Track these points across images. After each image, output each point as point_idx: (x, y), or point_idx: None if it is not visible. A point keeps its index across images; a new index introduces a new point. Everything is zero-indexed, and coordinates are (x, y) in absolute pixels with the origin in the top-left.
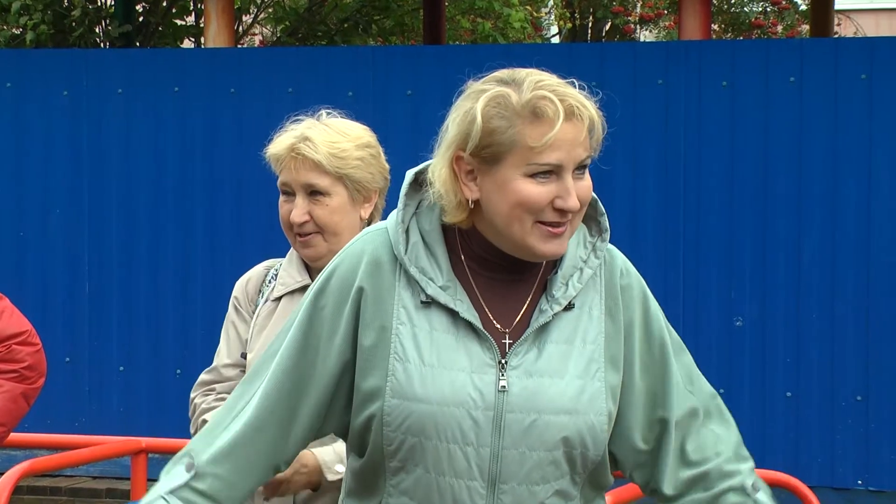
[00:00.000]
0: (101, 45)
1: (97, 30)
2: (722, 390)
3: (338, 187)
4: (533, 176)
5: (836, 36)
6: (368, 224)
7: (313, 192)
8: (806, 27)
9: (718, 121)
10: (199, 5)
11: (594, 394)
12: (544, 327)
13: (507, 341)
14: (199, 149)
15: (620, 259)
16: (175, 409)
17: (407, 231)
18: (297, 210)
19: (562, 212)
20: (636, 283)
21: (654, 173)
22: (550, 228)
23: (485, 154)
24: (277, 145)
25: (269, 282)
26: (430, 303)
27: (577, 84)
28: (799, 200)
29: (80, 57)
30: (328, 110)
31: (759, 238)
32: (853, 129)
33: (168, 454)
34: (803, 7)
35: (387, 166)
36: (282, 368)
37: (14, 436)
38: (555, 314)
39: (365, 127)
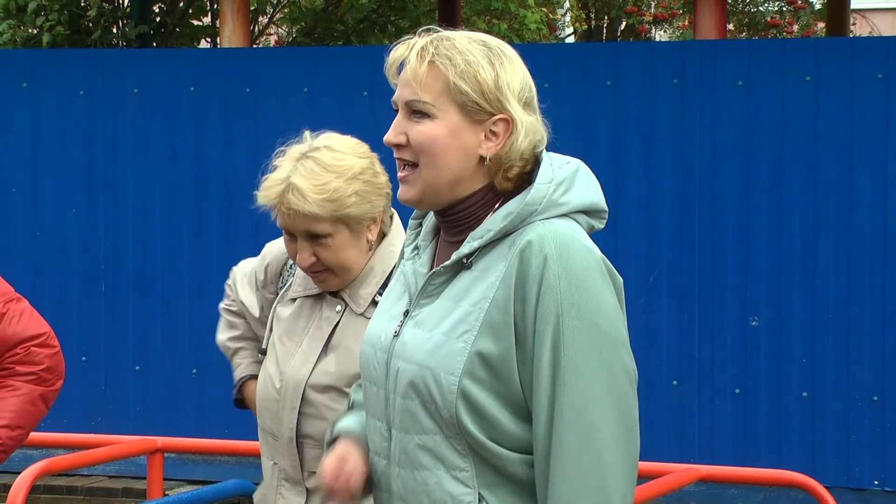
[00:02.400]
0: (118, 45)
1: (114, 30)
2: (738, 390)
3: (339, 227)
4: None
5: (852, 35)
6: (381, 239)
7: (314, 236)
8: (822, 26)
9: (734, 120)
10: (215, 6)
11: (451, 352)
12: (450, 282)
13: None
14: (215, 149)
15: (538, 240)
16: (191, 408)
17: None
18: (301, 254)
19: (395, 148)
20: (540, 264)
21: (670, 173)
22: (399, 172)
23: None
24: (266, 195)
25: (291, 267)
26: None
27: (441, 37)
28: (815, 200)
29: (95, 57)
30: (312, 133)
31: (774, 238)
32: (869, 128)
33: (184, 454)
34: (819, 6)
35: (384, 180)
36: None
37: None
38: (455, 271)
39: (356, 143)
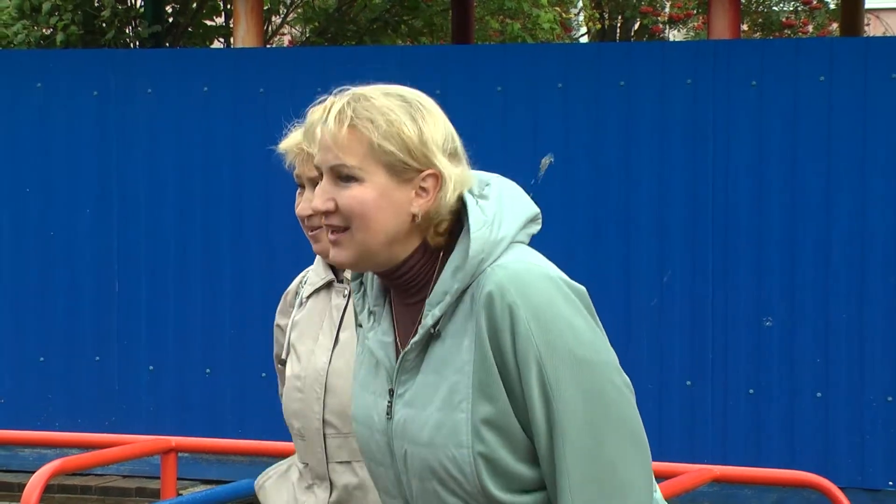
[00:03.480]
0: (131, 45)
1: (127, 30)
2: (751, 390)
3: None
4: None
5: (865, 35)
6: None
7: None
8: (836, 26)
9: (747, 120)
10: (228, 6)
11: (455, 426)
12: (426, 353)
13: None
14: (228, 148)
15: (496, 290)
16: (204, 407)
17: None
18: (303, 203)
19: (323, 215)
20: (506, 314)
21: (683, 173)
22: (330, 234)
23: None
24: (287, 140)
25: (304, 283)
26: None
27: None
28: (828, 200)
29: (108, 57)
30: None
31: (787, 238)
32: (882, 128)
33: (197, 453)
34: (833, 6)
35: None
36: None
37: (45, 435)
38: (426, 342)
39: None
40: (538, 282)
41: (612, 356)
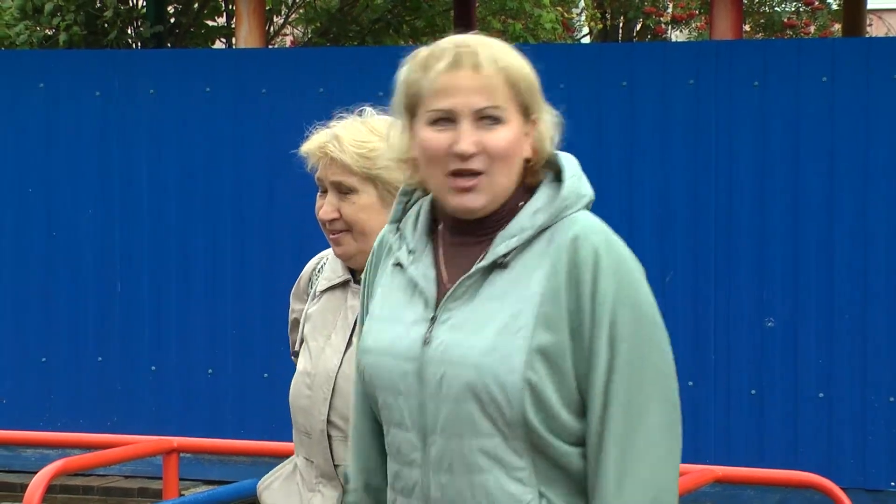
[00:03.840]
0: (133, 45)
1: (129, 31)
2: (753, 391)
3: (367, 186)
4: (433, 124)
5: (868, 36)
6: None
7: (342, 190)
8: (839, 27)
9: (749, 121)
10: (230, 6)
11: (510, 351)
12: (483, 284)
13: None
14: (230, 149)
15: (584, 235)
16: (206, 408)
17: (414, 206)
18: (326, 206)
19: (460, 157)
20: (591, 257)
21: (685, 173)
22: (458, 181)
23: (406, 109)
24: (310, 143)
25: (319, 270)
26: (399, 264)
27: (490, 42)
28: (830, 200)
29: (111, 58)
30: (373, 107)
31: (790, 238)
32: (884, 128)
33: (199, 453)
34: (836, 7)
35: None
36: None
37: (47, 435)
38: (494, 269)
39: None
40: (619, 243)
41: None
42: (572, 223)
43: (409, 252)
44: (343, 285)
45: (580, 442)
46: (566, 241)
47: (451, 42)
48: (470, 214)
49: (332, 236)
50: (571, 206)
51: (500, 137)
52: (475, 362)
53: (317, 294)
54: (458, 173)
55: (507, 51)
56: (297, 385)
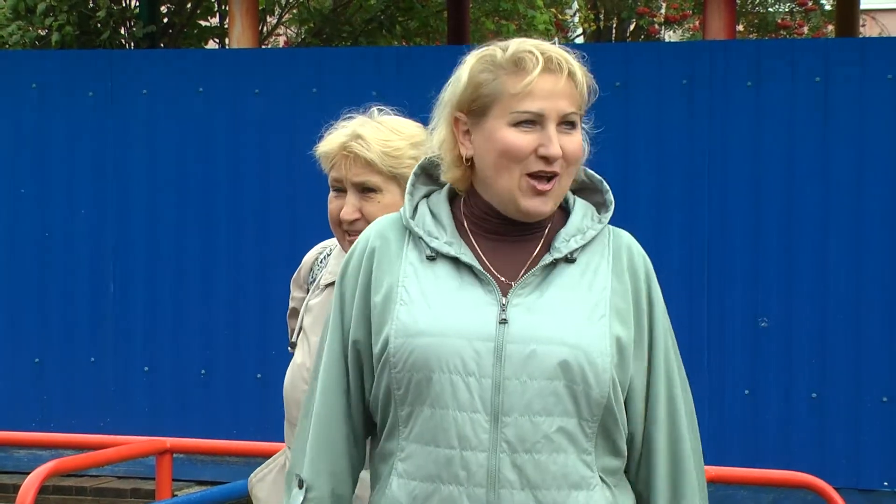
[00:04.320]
0: (126, 45)
1: (122, 30)
2: (747, 391)
3: (390, 185)
4: (517, 125)
5: (861, 36)
6: None
7: (365, 189)
8: (832, 28)
9: (743, 121)
10: (223, 6)
11: (597, 335)
12: (548, 277)
13: (510, 285)
14: (223, 149)
15: (634, 244)
16: (199, 409)
17: (416, 207)
18: (347, 207)
19: (546, 160)
20: (644, 265)
21: (679, 173)
22: (536, 184)
23: (474, 107)
24: (329, 143)
25: (322, 261)
26: (434, 257)
27: (566, 49)
28: (824, 200)
29: (105, 58)
30: (381, 108)
31: (784, 238)
32: (878, 128)
33: (192, 454)
34: (829, 7)
35: None
36: (329, 351)
37: (40, 435)
38: (557, 263)
39: (418, 124)
40: None
41: None
42: (617, 231)
43: (448, 244)
44: None
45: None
46: (621, 247)
47: (531, 45)
48: (538, 217)
49: (350, 237)
50: (610, 211)
51: (577, 142)
52: (570, 341)
53: (319, 286)
54: (538, 175)
55: (577, 58)
56: (293, 377)
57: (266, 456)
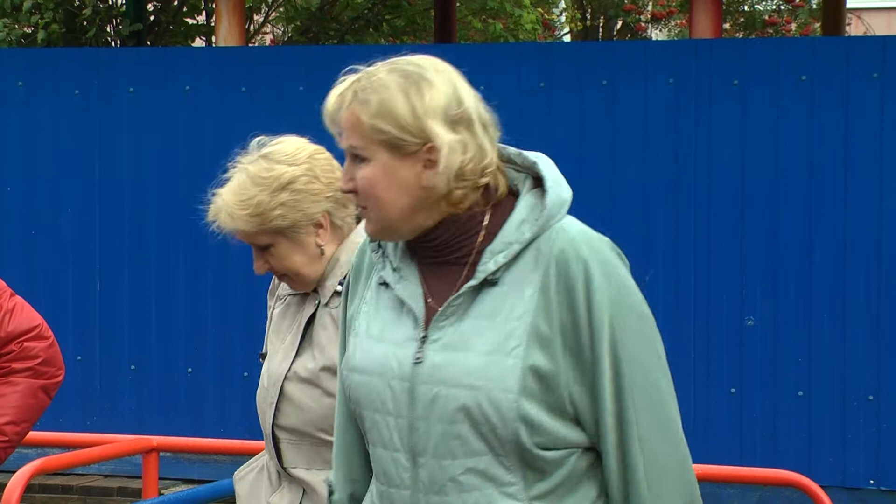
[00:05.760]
0: (112, 43)
1: (108, 28)
2: (733, 390)
3: (275, 237)
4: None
5: (847, 35)
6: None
7: (260, 248)
8: (819, 26)
9: (729, 119)
10: (209, 4)
11: (504, 370)
12: (472, 303)
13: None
14: (210, 147)
15: (571, 246)
16: (186, 407)
17: None
18: (256, 263)
19: (351, 193)
20: (582, 271)
21: (665, 172)
22: (360, 210)
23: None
24: (209, 212)
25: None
26: (386, 284)
27: (375, 73)
28: (810, 199)
29: (91, 56)
30: (261, 139)
31: (770, 237)
32: (864, 127)
33: (179, 453)
34: (815, 5)
35: (323, 184)
36: (340, 363)
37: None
38: (478, 289)
39: (297, 147)
40: (603, 245)
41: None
42: (558, 233)
43: (394, 270)
44: (302, 297)
45: (567, 444)
46: (554, 254)
47: (345, 77)
48: (371, 238)
49: (280, 280)
50: (555, 215)
51: (362, 176)
52: (469, 382)
53: (281, 296)
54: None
55: (380, 85)
56: (259, 387)
57: (253, 454)
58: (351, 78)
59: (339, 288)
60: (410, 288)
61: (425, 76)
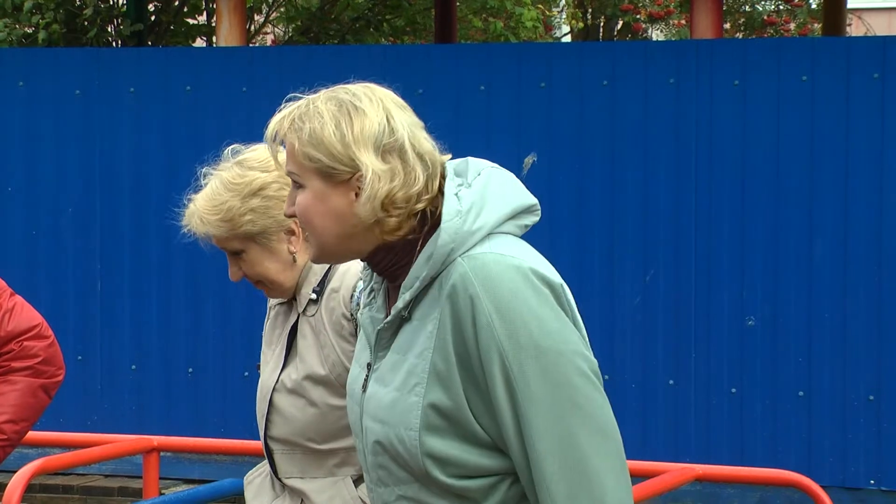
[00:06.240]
0: (113, 43)
1: (109, 28)
2: (734, 390)
3: (246, 243)
4: None
5: (848, 35)
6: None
7: (233, 253)
8: (819, 26)
9: (730, 120)
10: (210, 4)
11: (407, 408)
12: (394, 334)
13: None
14: (211, 148)
15: (460, 277)
16: (187, 407)
17: None
18: (230, 269)
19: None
20: (468, 304)
21: (665, 173)
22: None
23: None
24: (184, 218)
25: None
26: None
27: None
28: (811, 200)
29: (92, 56)
30: (236, 148)
31: (770, 238)
32: (865, 128)
33: (180, 453)
34: (815, 6)
35: None
36: None
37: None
38: (398, 322)
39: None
40: (505, 272)
41: (577, 343)
42: (455, 267)
43: (370, 291)
44: (288, 304)
45: (497, 471)
46: (446, 291)
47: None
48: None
49: (257, 287)
50: (458, 248)
51: (300, 202)
52: (381, 417)
53: (272, 306)
54: None
55: (315, 113)
56: (256, 398)
57: (254, 455)
58: (291, 106)
59: (314, 296)
60: (374, 311)
61: (358, 105)
